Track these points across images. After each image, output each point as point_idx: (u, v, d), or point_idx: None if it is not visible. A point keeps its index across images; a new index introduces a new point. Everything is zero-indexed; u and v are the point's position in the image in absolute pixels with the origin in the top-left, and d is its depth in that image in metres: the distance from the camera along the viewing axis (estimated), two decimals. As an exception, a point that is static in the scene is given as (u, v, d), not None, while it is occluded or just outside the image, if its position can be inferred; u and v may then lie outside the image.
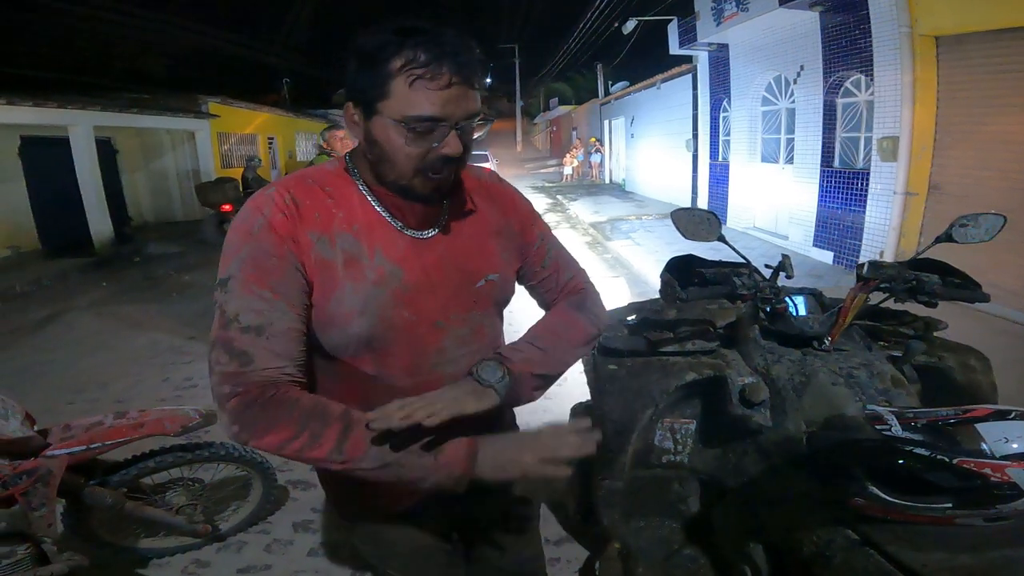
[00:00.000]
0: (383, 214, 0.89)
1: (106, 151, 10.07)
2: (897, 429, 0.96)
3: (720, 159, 9.76)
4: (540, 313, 1.08)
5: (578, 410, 2.07)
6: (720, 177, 9.61)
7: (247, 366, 0.78)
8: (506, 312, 1.07)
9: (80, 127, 8.95)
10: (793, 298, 1.45)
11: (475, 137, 0.87)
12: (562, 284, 1.08)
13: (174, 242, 9.70)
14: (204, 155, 12.89)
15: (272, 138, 17.42)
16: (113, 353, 4.61)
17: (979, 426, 0.91)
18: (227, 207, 7.19)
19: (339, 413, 0.78)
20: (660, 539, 1.52)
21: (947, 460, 0.89)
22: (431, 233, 0.91)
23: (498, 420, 1.04)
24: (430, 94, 0.77)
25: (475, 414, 0.82)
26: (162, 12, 18.99)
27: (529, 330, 0.99)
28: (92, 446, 1.77)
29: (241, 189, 8.32)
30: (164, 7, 19.76)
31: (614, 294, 5.65)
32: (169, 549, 2.17)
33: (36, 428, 1.82)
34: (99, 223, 9.20)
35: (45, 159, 9.04)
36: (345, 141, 4.29)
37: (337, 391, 0.89)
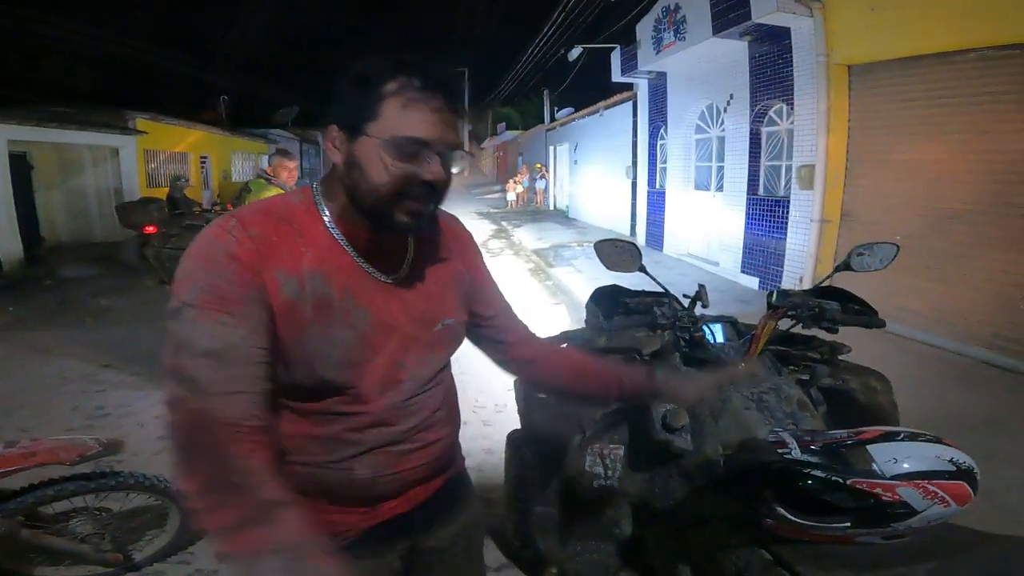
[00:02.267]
0: (350, 254, 0.88)
1: (20, 166, 9.43)
2: (797, 452, 1.01)
3: (657, 186, 10.00)
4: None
5: (514, 436, 2.07)
6: (657, 204, 9.83)
7: (195, 393, 0.72)
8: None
9: (-9, 141, 8.34)
10: (711, 326, 1.52)
11: (453, 172, 0.86)
12: (513, 331, 1.11)
13: (91, 265, 9.06)
14: (128, 173, 12.22)
15: (205, 157, 16.70)
16: (17, 380, 4.26)
17: (870, 447, 0.97)
18: (151, 229, 6.76)
19: (263, 500, 0.67)
20: (596, 563, 1.53)
21: (842, 481, 0.94)
22: (394, 277, 0.92)
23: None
24: (421, 116, 0.79)
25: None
26: (95, 25, 18.03)
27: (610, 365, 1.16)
28: None
29: (168, 210, 7.89)
30: (98, 19, 18.78)
31: (555, 321, 5.69)
32: None
33: (-77, 458, 1.75)
34: (8, 243, 8.57)
35: (-51, 173, 8.35)
36: (293, 172, 4.10)
37: (295, 429, 0.87)
